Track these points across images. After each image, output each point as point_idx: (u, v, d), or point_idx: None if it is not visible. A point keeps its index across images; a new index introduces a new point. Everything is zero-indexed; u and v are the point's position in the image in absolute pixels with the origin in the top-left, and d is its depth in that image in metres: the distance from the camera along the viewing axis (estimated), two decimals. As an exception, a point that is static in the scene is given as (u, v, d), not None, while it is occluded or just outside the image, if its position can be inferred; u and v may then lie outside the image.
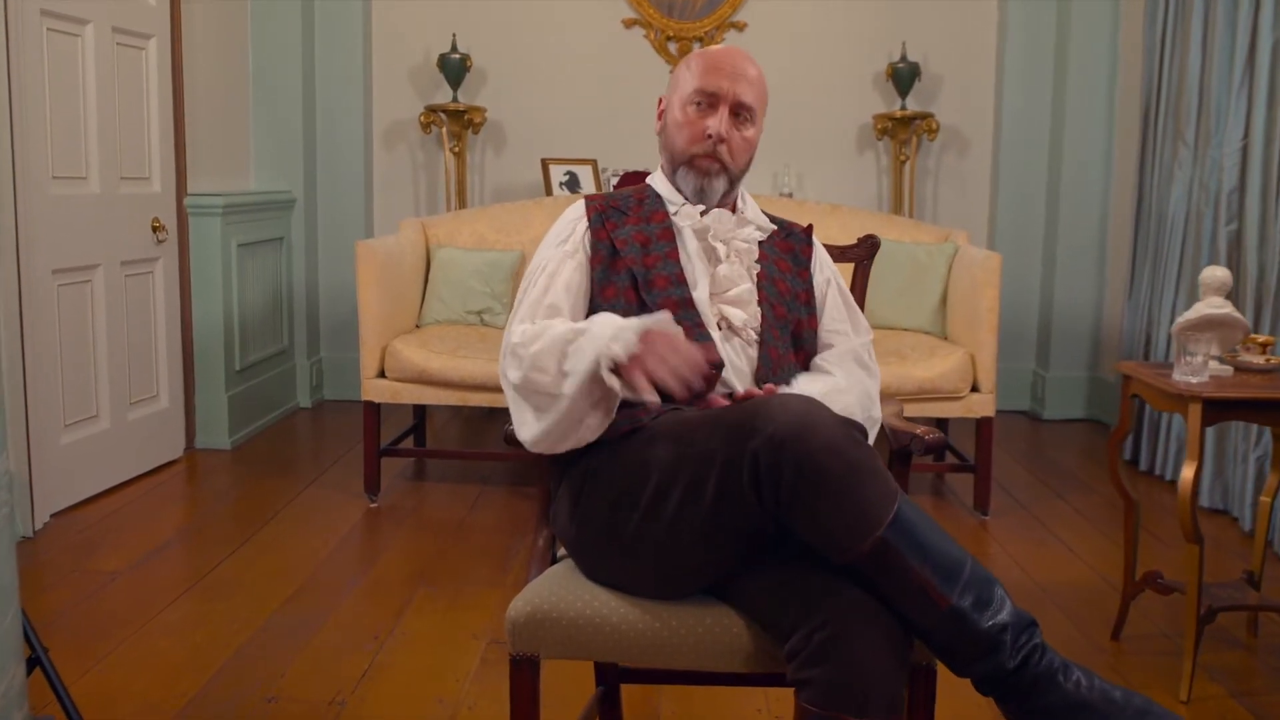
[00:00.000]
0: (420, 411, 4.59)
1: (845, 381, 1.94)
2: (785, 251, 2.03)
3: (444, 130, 5.34)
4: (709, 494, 1.61)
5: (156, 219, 4.28)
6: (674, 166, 1.98)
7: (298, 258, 5.37)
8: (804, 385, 1.88)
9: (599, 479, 1.77)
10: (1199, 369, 2.54)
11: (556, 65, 5.50)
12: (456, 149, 5.35)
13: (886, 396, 2.18)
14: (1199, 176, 4.21)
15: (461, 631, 2.90)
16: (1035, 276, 5.46)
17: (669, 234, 1.96)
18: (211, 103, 4.80)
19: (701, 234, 1.96)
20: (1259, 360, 2.67)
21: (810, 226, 2.10)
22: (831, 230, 4.01)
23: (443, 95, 5.40)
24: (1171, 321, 4.31)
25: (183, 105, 4.52)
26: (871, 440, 1.82)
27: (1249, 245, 3.85)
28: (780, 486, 1.55)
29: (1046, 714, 1.57)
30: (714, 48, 2.05)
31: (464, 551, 3.52)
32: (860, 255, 2.27)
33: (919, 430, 1.89)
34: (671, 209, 1.98)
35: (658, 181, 2.03)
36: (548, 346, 1.74)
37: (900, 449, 1.90)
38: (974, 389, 3.89)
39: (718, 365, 1.86)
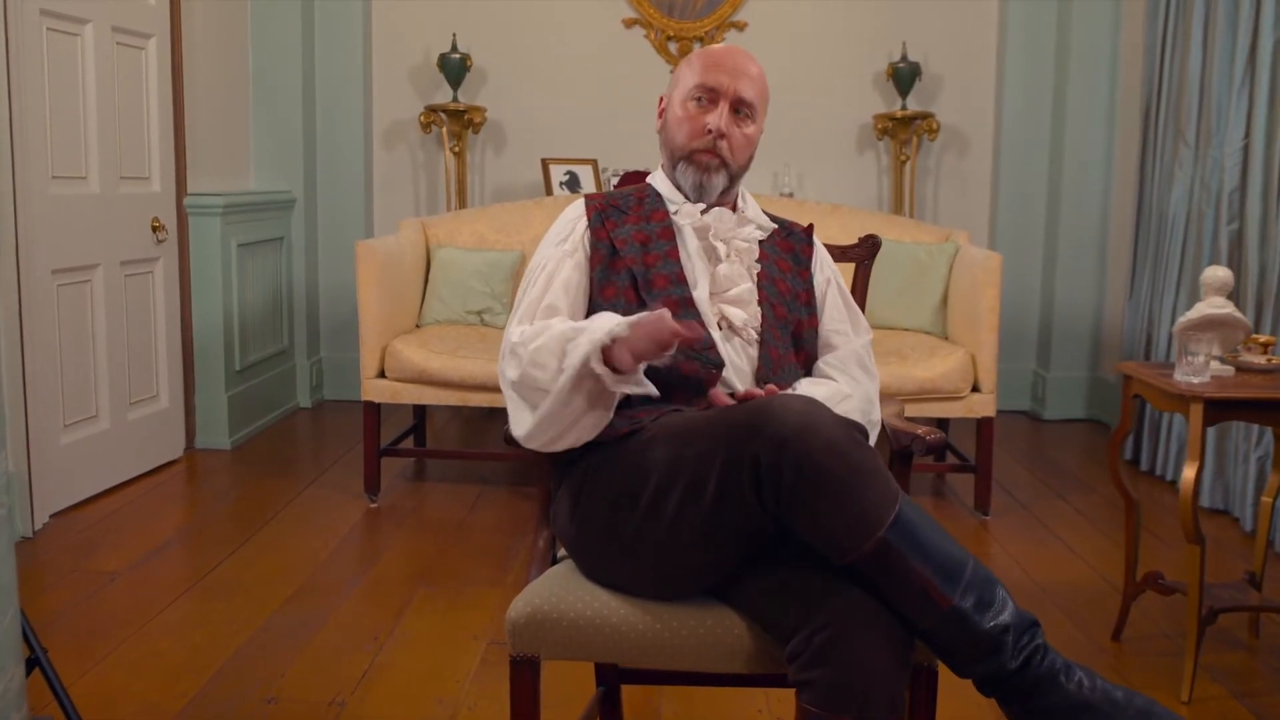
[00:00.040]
0: (420, 411, 4.59)
1: (848, 387, 1.94)
2: (786, 251, 2.03)
3: (444, 130, 5.33)
4: (709, 494, 1.61)
5: (156, 219, 4.28)
6: (674, 162, 1.97)
7: (298, 258, 5.37)
8: (806, 391, 1.88)
9: (599, 479, 1.77)
10: (1200, 369, 2.54)
11: (557, 65, 5.50)
12: (456, 149, 5.35)
13: (887, 396, 2.18)
14: (1200, 176, 4.20)
15: (462, 632, 2.90)
16: (1036, 276, 5.46)
17: (669, 233, 1.95)
18: (211, 103, 4.80)
19: (702, 233, 1.95)
20: (1260, 360, 2.66)
21: (811, 226, 2.09)
22: (832, 230, 4.01)
23: (443, 95, 5.40)
24: (1172, 321, 4.31)
25: (183, 105, 4.52)
26: (871, 443, 1.82)
27: (1250, 245, 3.85)
28: (781, 487, 1.55)
29: (1048, 714, 1.56)
30: (716, 46, 2.05)
31: (464, 552, 3.52)
32: (861, 255, 2.26)
33: (920, 431, 1.88)
34: (672, 208, 1.98)
35: (658, 180, 2.03)
36: (547, 344, 1.74)
37: (901, 449, 1.90)
38: (975, 389, 3.89)
39: (717, 364, 1.85)
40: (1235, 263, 3.93)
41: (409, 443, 4.50)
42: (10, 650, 1.99)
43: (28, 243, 3.54)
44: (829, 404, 1.75)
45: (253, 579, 3.25)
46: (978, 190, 5.55)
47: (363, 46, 5.43)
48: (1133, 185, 4.83)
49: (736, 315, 1.91)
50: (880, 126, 5.37)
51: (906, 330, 4.26)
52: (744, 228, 1.98)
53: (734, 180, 1.97)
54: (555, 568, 1.87)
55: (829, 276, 2.06)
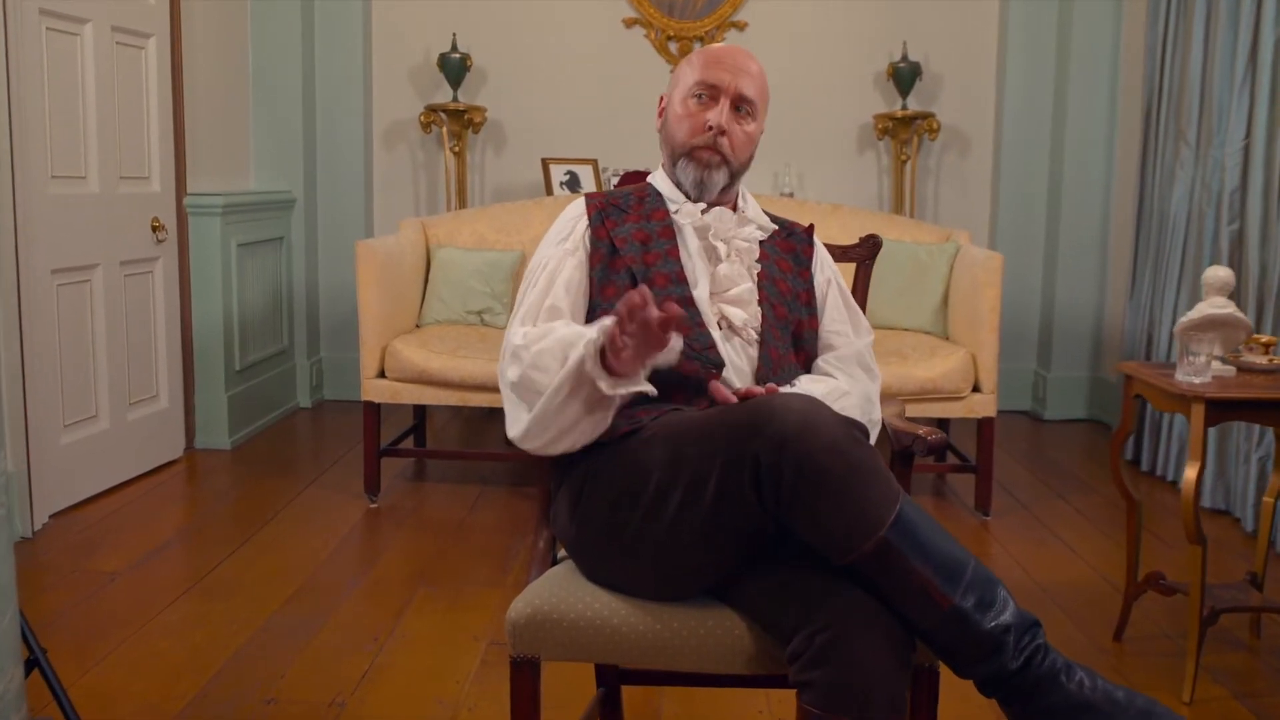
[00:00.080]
0: (420, 411, 4.58)
1: (848, 384, 1.94)
2: (786, 251, 2.02)
3: (444, 130, 5.33)
4: (709, 494, 1.60)
5: (156, 219, 4.28)
6: (674, 159, 1.97)
7: (298, 258, 5.36)
8: (806, 388, 1.88)
9: (599, 479, 1.76)
10: (1202, 369, 2.53)
11: (557, 65, 5.49)
12: (457, 149, 5.35)
13: (888, 397, 2.17)
14: (1201, 176, 4.20)
15: (462, 632, 2.90)
16: (1036, 276, 5.46)
17: (669, 232, 1.95)
18: (211, 102, 4.79)
19: (702, 232, 1.95)
20: (1261, 360, 2.66)
21: (811, 226, 2.09)
22: (832, 230, 4.01)
23: (443, 95, 5.40)
24: (1173, 321, 4.31)
25: (182, 105, 4.51)
26: (872, 443, 1.81)
27: (1251, 245, 3.84)
28: (781, 486, 1.55)
29: (1049, 715, 1.56)
30: (716, 45, 2.05)
31: (464, 552, 3.52)
32: (862, 255, 2.26)
33: (921, 431, 1.88)
34: (672, 207, 1.97)
35: (659, 180, 2.03)
36: (550, 347, 1.73)
37: (902, 449, 1.89)
38: (975, 389, 3.89)
39: (717, 364, 1.85)
40: (1236, 263, 3.93)
41: (409, 443, 4.49)
42: (9, 651, 1.98)
43: (27, 242, 3.54)
44: (828, 401, 1.75)
45: (252, 579, 3.25)
46: (978, 190, 5.55)
47: (363, 46, 5.42)
48: (1133, 185, 4.83)
49: (736, 315, 1.90)
50: (881, 126, 5.37)
51: (907, 330, 4.26)
52: (744, 227, 1.97)
53: (734, 178, 1.97)
54: (555, 568, 1.86)
55: (829, 277, 2.05)
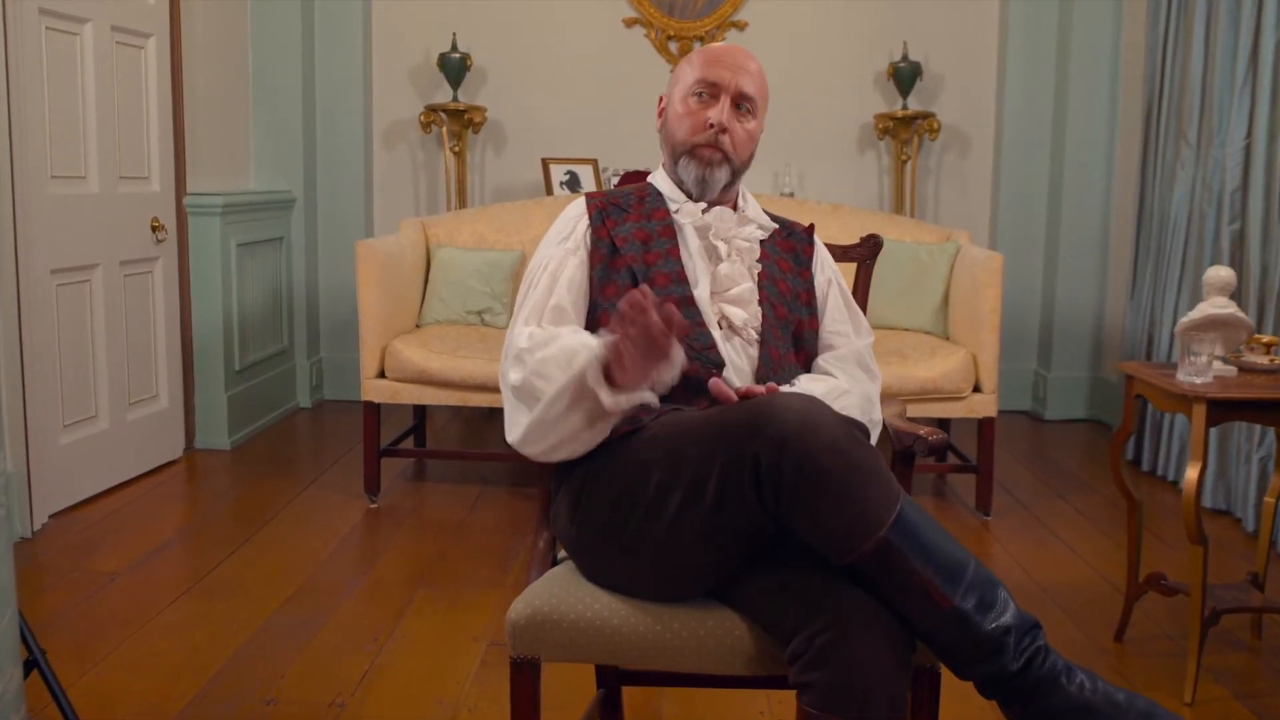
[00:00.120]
0: (420, 412, 4.58)
1: (847, 384, 1.93)
2: (786, 251, 2.02)
3: (444, 130, 5.33)
4: (709, 494, 1.60)
5: (156, 219, 4.27)
6: (675, 158, 1.96)
7: (297, 257, 5.36)
8: (806, 386, 1.87)
9: (599, 480, 1.76)
10: (1203, 369, 2.53)
11: (557, 64, 5.49)
12: (457, 149, 5.34)
13: (888, 397, 2.17)
14: (1201, 176, 4.19)
15: (462, 633, 2.89)
16: (1037, 276, 5.45)
17: (670, 231, 1.94)
18: (211, 102, 4.79)
19: (703, 232, 1.94)
20: (1263, 360, 2.65)
21: (812, 226, 2.09)
22: (832, 230, 4.00)
23: (443, 95, 5.39)
24: (1174, 322, 4.30)
25: (182, 105, 4.51)
26: (872, 443, 1.81)
27: (1252, 245, 3.84)
28: (781, 486, 1.54)
29: (1049, 717, 1.56)
30: (716, 44, 2.04)
31: (464, 552, 3.51)
32: (863, 255, 2.25)
33: (922, 431, 1.87)
34: (673, 206, 1.97)
35: (659, 179, 2.02)
36: (555, 355, 1.72)
37: (904, 450, 1.89)
38: (976, 389, 3.88)
39: (718, 364, 1.84)
40: (1237, 263, 3.92)
41: (409, 443, 4.49)
42: (8, 651, 1.98)
43: (27, 243, 3.54)
44: (827, 400, 1.75)
45: (252, 579, 3.24)
46: (978, 190, 5.54)
47: (363, 46, 5.42)
48: (1134, 185, 4.83)
49: (737, 315, 1.90)
50: (881, 126, 5.36)
51: (907, 330, 4.26)
52: (745, 227, 1.97)
53: (736, 175, 1.96)
54: (555, 569, 1.86)
55: (830, 277, 2.05)
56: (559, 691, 2.39)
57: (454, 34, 5.31)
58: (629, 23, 5.48)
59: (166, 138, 4.38)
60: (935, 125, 5.31)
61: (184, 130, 4.52)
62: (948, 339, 4.19)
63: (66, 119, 3.77)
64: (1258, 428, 3.69)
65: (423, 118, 5.32)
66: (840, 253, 2.20)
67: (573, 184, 5.20)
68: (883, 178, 5.52)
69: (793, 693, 1.56)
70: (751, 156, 1.98)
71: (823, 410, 1.59)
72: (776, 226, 2.03)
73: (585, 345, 1.70)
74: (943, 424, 4.26)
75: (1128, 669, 2.72)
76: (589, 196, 1.99)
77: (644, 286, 1.59)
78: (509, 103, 5.48)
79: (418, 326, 4.30)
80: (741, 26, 5.45)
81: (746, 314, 1.90)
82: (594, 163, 5.26)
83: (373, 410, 3.95)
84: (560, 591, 1.74)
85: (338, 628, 2.92)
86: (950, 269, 4.26)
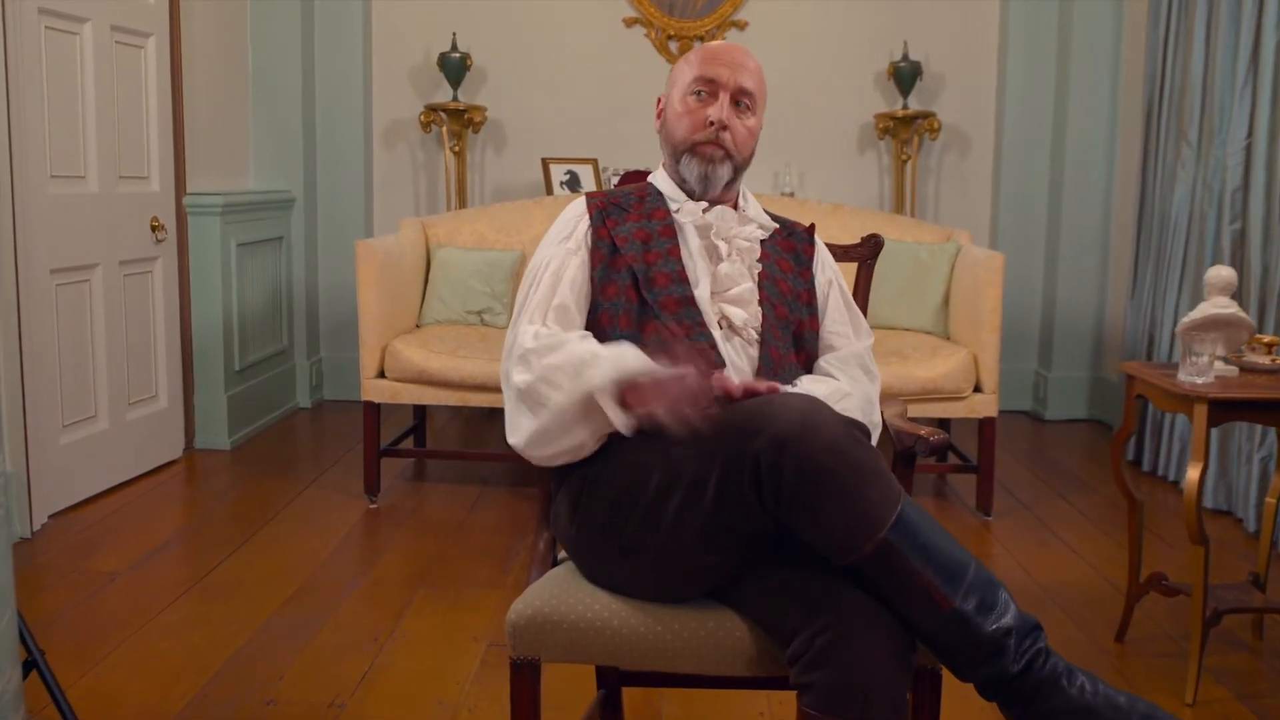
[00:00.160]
0: (420, 412, 4.58)
1: (849, 386, 1.93)
2: (787, 251, 2.01)
3: (444, 129, 5.32)
4: (710, 495, 1.60)
5: (155, 218, 4.27)
6: (676, 157, 1.95)
7: (297, 257, 5.36)
8: (807, 387, 1.87)
9: (599, 480, 1.75)
10: (1204, 369, 2.52)
11: (557, 64, 5.49)
12: (456, 148, 5.34)
13: (889, 397, 2.16)
14: (1202, 176, 4.19)
15: (462, 633, 2.89)
16: (1037, 276, 5.45)
17: (670, 231, 1.94)
18: (211, 102, 4.79)
19: (703, 231, 1.94)
20: (1264, 360, 2.65)
21: (812, 226, 2.08)
22: (833, 230, 4.00)
23: (443, 94, 5.39)
24: (1174, 322, 4.30)
25: (182, 104, 4.50)
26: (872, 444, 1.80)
27: (1253, 245, 3.84)
28: (781, 487, 1.54)
29: (1050, 719, 1.55)
30: (713, 42, 2.04)
31: (464, 552, 3.51)
32: (864, 254, 2.25)
33: (923, 431, 1.87)
34: (673, 206, 1.97)
35: (660, 179, 2.02)
36: (564, 363, 1.72)
37: (904, 450, 1.88)
38: (976, 389, 3.88)
39: (717, 364, 1.84)
40: (1238, 262, 3.92)
41: (409, 443, 4.49)
42: (7, 652, 1.98)
43: (26, 242, 3.53)
44: (829, 401, 1.74)
45: (252, 580, 3.24)
46: (979, 190, 5.54)
47: (363, 46, 5.42)
48: (1134, 185, 4.82)
49: (737, 315, 1.89)
50: (881, 126, 5.36)
51: (908, 330, 4.25)
52: (745, 227, 1.97)
53: (738, 172, 1.96)
54: (555, 569, 1.86)
55: (830, 278, 2.04)
56: (559, 692, 2.38)
57: (454, 34, 5.30)
58: (629, 22, 5.47)
59: (166, 137, 4.38)
60: (935, 125, 5.31)
61: (184, 130, 4.52)
62: (948, 339, 4.18)
63: (66, 119, 3.77)
64: (1258, 427, 3.69)
65: (423, 117, 5.32)
66: (841, 252, 2.20)
67: (573, 184, 5.19)
68: (883, 177, 5.52)
69: (793, 693, 1.56)
70: (752, 154, 1.97)
71: (823, 411, 1.58)
72: (777, 226, 2.03)
73: (595, 356, 1.70)
74: (943, 424, 4.26)
75: (1129, 669, 2.72)
76: (589, 196, 1.99)
77: (713, 379, 1.62)
78: (509, 102, 5.47)
79: (418, 326, 4.30)
80: (742, 26, 5.44)
81: (747, 314, 1.90)
82: (594, 163, 5.25)
83: (373, 410, 3.95)
84: (560, 592, 1.74)
85: (337, 628, 2.92)
86: (951, 269, 4.25)
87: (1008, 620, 1.55)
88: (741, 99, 1.93)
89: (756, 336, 1.90)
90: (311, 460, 4.58)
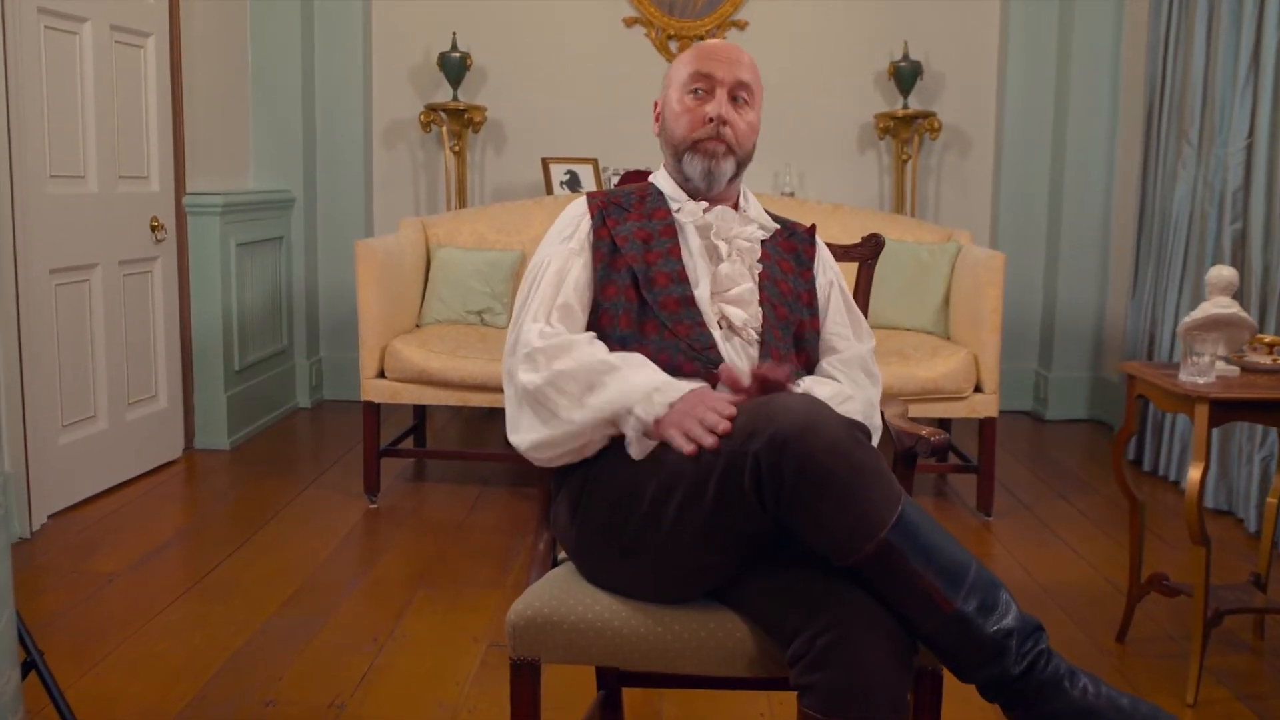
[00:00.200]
0: (420, 412, 4.57)
1: (851, 389, 1.92)
2: (788, 251, 2.01)
3: (444, 129, 5.32)
4: (710, 496, 1.59)
5: (155, 218, 4.27)
6: (678, 156, 1.95)
7: (297, 257, 5.35)
8: (808, 386, 1.87)
9: (600, 480, 1.75)
10: (1205, 369, 2.52)
11: (557, 64, 5.48)
12: (456, 148, 5.33)
13: (889, 397, 2.16)
14: (1203, 175, 4.19)
15: (462, 634, 2.88)
16: (1038, 276, 5.44)
17: (671, 230, 1.93)
18: (210, 102, 4.78)
19: (704, 231, 1.93)
20: (1265, 360, 2.64)
21: (813, 227, 2.08)
22: (833, 230, 4.00)
23: (443, 94, 5.38)
24: (1175, 321, 4.29)
25: (181, 104, 4.50)
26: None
27: (1253, 245, 3.83)
28: (782, 488, 1.53)
29: (1052, 720, 1.55)
30: (706, 41, 2.04)
31: (464, 553, 3.50)
32: (864, 254, 2.24)
33: (924, 432, 1.87)
34: (674, 205, 1.96)
35: (661, 179, 2.01)
36: (575, 370, 1.73)
37: (905, 450, 1.88)
38: (977, 389, 3.87)
39: (717, 365, 1.83)
40: (1239, 262, 3.91)
41: (409, 443, 4.48)
42: (6, 653, 1.97)
43: (26, 242, 3.53)
44: (832, 404, 1.74)
45: (252, 580, 3.24)
46: (979, 189, 5.54)
47: (363, 46, 5.41)
48: (1135, 184, 4.82)
49: (737, 315, 1.89)
50: (881, 126, 5.35)
51: (908, 330, 4.25)
52: (746, 227, 1.96)
53: (741, 167, 1.95)
54: (555, 570, 1.85)
55: (831, 279, 2.04)
56: (559, 693, 2.38)
57: (454, 33, 5.30)
58: (629, 22, 5.47)
59: (166, 137, 4.37)
60: (936, 125, 5.31)
61: (183, 130, 4.51)
62: (949, 339, 4.18)
63: (65, 118, 3.76)
64: (1259, 427, 3.68)
65: (423, 117, 5.32)
66: (841, 252, 2.19)
67: (573, 184, 5.19)
68: (883, 177, 5.51)
69: (793, 694, 1.55)
70: (754, 148, 1.97)
71: (824, 411, 1.58)
72: (778, 227, 2.02)
73: (609, 364, 1.72)
74: (944, 424, 4.26)
75: (1129, 670, 2.71)
76: (590, 196, 1.98)
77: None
78: (509, 102, 5.47)
79: (418, 326, 4.29)
80: (742, 26, 5.44)
81: (747, 314, 1.89)
82: (594, 162, 5.25)
83: (372, 410, 3.94)
84: (560, 593, 1.74)
85: (337, 628, 2.91)
86: (951, 269, 4.25)
87: (1009, 621, 1.54)
88: (739, 93, 1.93)
89: (756, 337, 1.89)
90: (311, 460, 4.58)
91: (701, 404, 1.64)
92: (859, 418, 1.82)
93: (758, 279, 1.93)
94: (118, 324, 4.07)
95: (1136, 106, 4.93)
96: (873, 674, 1.50)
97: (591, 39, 5.47)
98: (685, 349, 1.81)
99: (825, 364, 1.98)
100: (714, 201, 1.96)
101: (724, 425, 1.60)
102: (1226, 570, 3.29)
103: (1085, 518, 3.92)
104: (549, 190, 5.18)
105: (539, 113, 5.47)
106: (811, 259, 2.03)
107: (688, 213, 1.94)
